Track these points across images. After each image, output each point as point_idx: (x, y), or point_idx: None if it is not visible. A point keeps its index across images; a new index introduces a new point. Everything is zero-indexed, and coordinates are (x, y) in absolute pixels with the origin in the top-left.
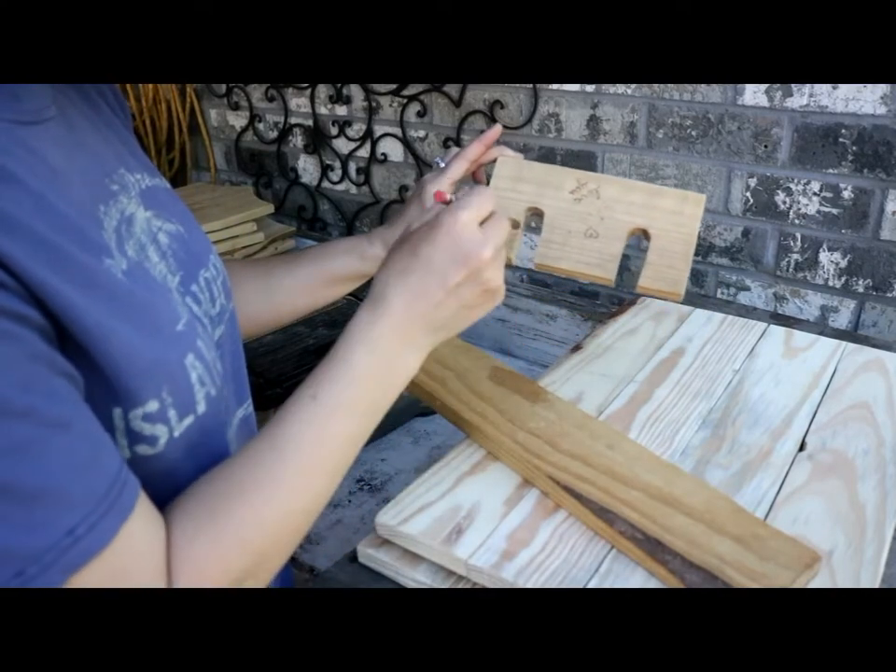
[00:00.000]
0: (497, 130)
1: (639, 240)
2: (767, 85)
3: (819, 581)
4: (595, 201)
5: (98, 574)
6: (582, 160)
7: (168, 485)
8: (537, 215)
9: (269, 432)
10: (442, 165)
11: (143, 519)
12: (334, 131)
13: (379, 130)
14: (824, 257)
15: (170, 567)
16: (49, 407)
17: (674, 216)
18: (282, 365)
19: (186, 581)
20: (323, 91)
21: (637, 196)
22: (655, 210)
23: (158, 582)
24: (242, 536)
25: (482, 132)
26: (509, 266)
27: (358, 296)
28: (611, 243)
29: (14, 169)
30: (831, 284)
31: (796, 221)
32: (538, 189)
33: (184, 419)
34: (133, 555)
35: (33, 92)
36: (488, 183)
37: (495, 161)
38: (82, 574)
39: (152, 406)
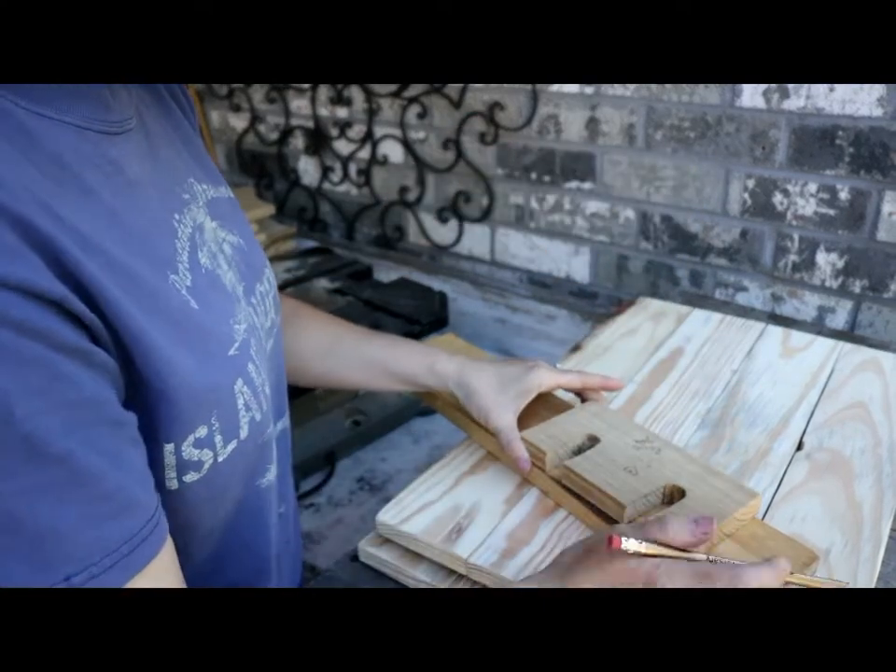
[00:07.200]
0: (619, 384)
1: (638, 240)
2: (765, 87)
3: None
4: (653, 454)
5: None
6: (582, 161)
7: (209, 508)
8: (591, 440)
9: None
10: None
11: (155, 579)
12: (335, 132)
13: (379, 131)
14: (821, 257)
15: None
16: (86, 456)
17: (716, 491)
18: None
19: None
20: (324, 92)
21: (693, 468)
22: (702, 482)
23: None
24: None
25: (482, 133)
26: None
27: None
28: (644, 483)
29: (92, 183)
30: (828, 284)
31: (793, 222)
32: (606, 427)
33: (228, 444)
34: None
35: (121, 103)
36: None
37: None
38: None
39: (201, 431)
